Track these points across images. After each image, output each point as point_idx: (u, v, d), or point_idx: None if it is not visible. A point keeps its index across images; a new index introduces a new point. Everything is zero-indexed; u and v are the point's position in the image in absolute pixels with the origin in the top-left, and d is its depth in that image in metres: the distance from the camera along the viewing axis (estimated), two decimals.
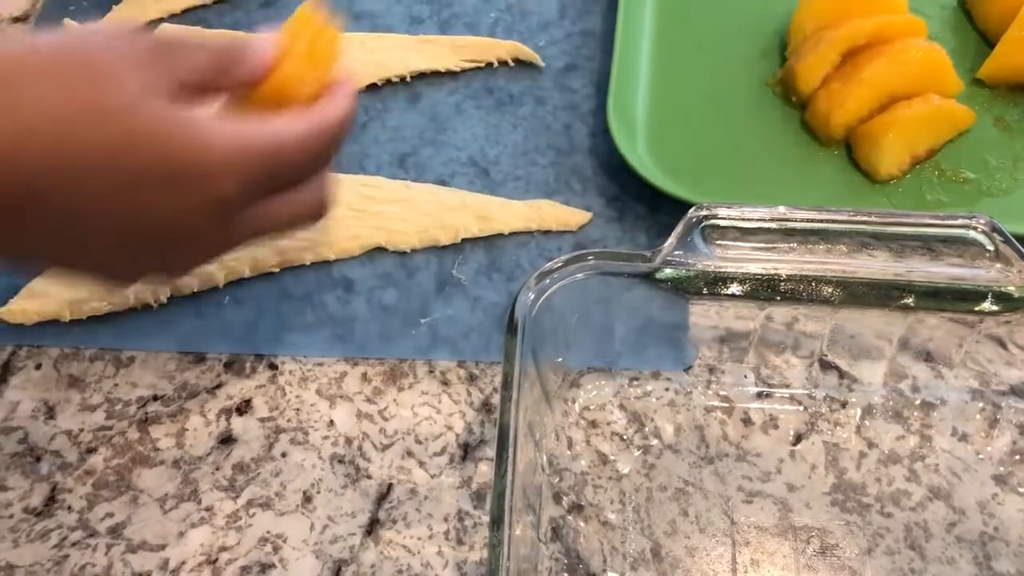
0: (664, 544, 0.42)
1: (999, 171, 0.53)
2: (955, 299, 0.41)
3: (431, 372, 0.47)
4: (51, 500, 0.43)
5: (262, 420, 0.46)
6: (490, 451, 0.44)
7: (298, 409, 0.46)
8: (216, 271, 0.49)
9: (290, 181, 0.39)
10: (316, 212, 0.41)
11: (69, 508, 0.43)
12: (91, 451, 0.45)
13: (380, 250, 0.51)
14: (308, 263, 0.50)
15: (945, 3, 0.60)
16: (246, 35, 0.41)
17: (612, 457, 0.44)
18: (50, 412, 0.46)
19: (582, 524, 0.42)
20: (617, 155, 0.51)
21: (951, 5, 0.60)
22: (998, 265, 0.41)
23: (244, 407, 0.46)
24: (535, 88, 0.58)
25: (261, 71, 0.39)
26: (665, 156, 0.53)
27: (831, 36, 0.54)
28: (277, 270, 0.50)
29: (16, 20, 0.61)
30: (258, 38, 0.40)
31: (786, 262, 0.42)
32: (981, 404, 0.46)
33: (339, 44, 0.43)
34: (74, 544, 0.42)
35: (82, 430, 0.45)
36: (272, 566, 0.42)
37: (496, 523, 0.35)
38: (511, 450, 0.37)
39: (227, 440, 0.45)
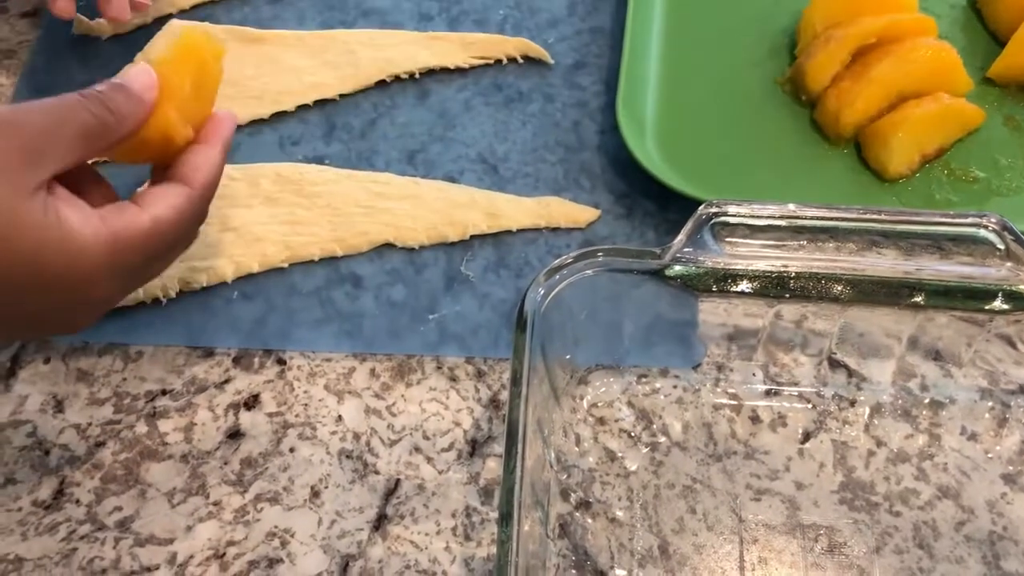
0: (672, 541, 0.42)
1: (1009, 170, 0.52)
2: (965, 298, 0.41)
3: (439, 368, 0.47)
4: (59, 493, 0.43)
5: (270, 415, 0.46)
6: (498, 447, 0.44)
7: (306, 404, 0.46)
8: (225, 266, 0.49)
9: (170, 249, 0.40)
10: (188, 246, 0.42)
11: (77, 502, 0.43)
12: (99, 445, 0.45)
13: (389, 246, 0.51)
14: (317, 259, 0.50)
15: (955, 2, 0.60)
16: (125, 69, 0.39)
17: (620, 454, 0.44)
18: (59, 406, 0.46)
19: (590, 521, 0.42)
20: (626, 152, 0.51)
21: (961, 4, 0.60)
22: (1008, 264, 0.41)
23: (252, 402, 0.46)
24: (544, 85, 0.58)
25: (138, 125, 0.38)
26: (674, 153, 0.53)
27: (841, 35, 0.54)
28: (286, 266, 0.50)
29: (25, 15, 0.62)
30: (135, 80, 0.38)
31: (795, 260, 0.42)
32: (990, 403, 0.45)
33: (222, 65, 0.42)
34: (82, 537, 0.42)
35: (90, 424, 0.45)
36: (280, 560, 0.42)
37: (505, 519, 0.35)
38: (520, 446, 0.37)
39: (235, 435, 0.45)
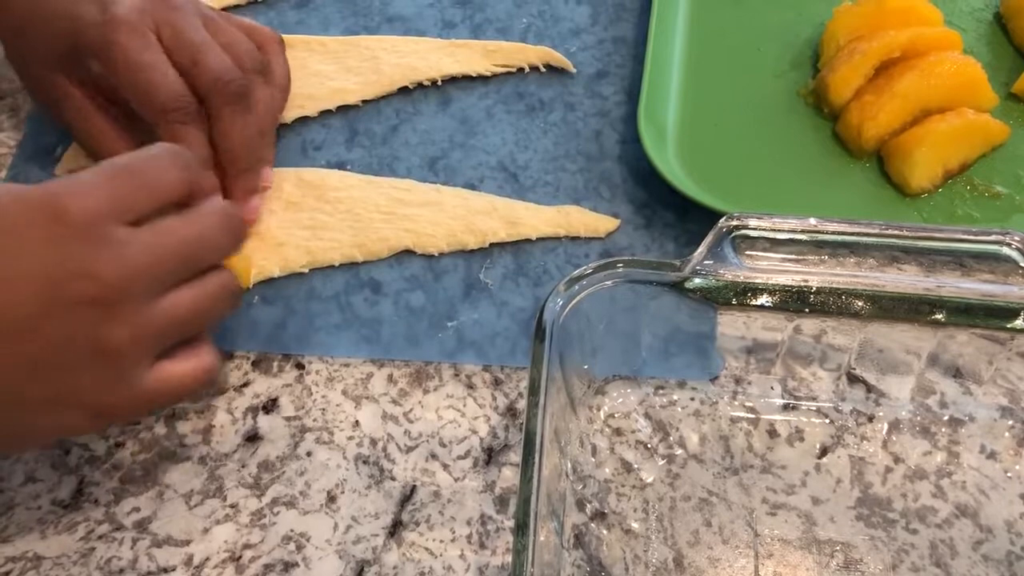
0: (687, 554, 0.42)
1: None
2: (986, 316, 0.41)
3: (456, 375, 0.47)
4: (79, 493, 0.44)
5: (288, 419, 0.46)
6: (514, 456, 0.45)
7: (324, 409, 0.46)
8: (246, 270, 0.49)
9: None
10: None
11: (96, 501, 0.44)
12: (119, 445, 0.45)
13: (408, 253, 0.51)
14: (337, 264, 0.50)
15: (981, 17, 0.60)
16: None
17: (636, 465, 0.44)
18: None
19: (605, 532, 0.42)
20: (647, 162, 0.51)
21: (987, 19, 0.60)
22: None
23: (270, 406, 0.46)
24: (566, 94, 0.58)
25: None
26: (695, 164, 0.53)
27: (865, 48, 0.54)
28: (306, 271, 0.50)
29: None
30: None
31: (816, 274, 0.42)
32: (1011, 422, 0.45)
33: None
34: (100, 537, 0.43)
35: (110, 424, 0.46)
36: (295, 565, 0.42)
37: (521, 529, 0.35)
38: (537, 456, 0.37)
39: (253, 438, 0.45)
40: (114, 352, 0.37)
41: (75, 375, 0.37)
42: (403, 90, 0.58)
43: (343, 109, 0.57)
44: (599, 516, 0.43)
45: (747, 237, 0.42)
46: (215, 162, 0.49)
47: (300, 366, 0.48)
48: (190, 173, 0.41)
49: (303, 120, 0.56)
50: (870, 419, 0.45)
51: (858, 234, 0.42)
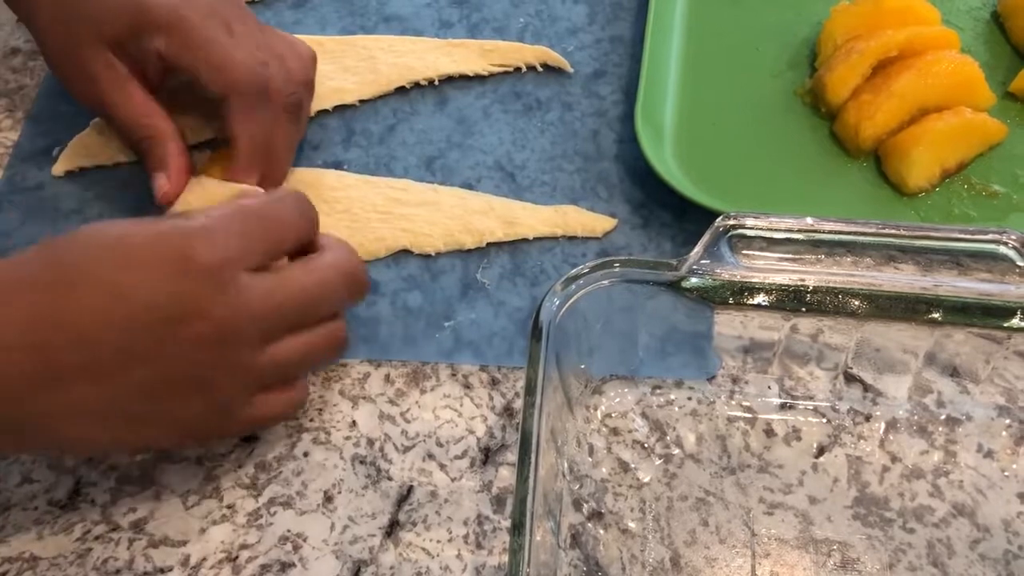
0: (683, 554, 0.42)
1: None
2: (983, 315, 0.41)
3: (453, 375, 0.47)
4: (75, 493, 0.44)
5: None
6: (511, 456, 0.45)
7: (321, 409, 0.46)
8: None
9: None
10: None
11: (93, 502, 0.44)
12: None
13: (405, 252, 0.51)
14: None
15: (978, 16, 0.60)
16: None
17: (633, 465, 0.44)
18: None
19: (602, 532, 0.42)
20: (644, 162, 0.51)
21: (984, 18, 0.60)
22: None
23: None
24: (563, 93, 0.58)
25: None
26: (692, 164, 0.53)
27: (862, 47, 0.54)
28: None
29: None
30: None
31: (812, 273, 0.42)
32: (1008, 421, 0.45)
33: None
34: (97, 538, 0.43)
35: None
36: (292, 565, 0.42)
37: (517, 528, 0.35)
38: (533, 456, 0.37)
39: (250, 438, 0.45)
40: (217, 393, 0.39)
41: (177, 405, 0.39)
42: (400, 90, 0.57)
43: (340, 109, 0.56)
44: (596, 516, 0.43)
45: (744, 236, 0.42)
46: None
47: None
48: (314, 220, 0.42)
49: None
50: (867, 418, 0.45)
51: (855, 233, 0.42)
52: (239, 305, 0.38)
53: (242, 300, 0.38)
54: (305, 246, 0.42)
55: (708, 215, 0.44)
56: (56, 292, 0.36)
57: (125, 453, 0.44)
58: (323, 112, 0.56)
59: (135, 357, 0.37)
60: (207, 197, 0.48)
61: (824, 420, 0.45)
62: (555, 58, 0.58)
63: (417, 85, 0.58)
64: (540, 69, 0.58)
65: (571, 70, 0.58)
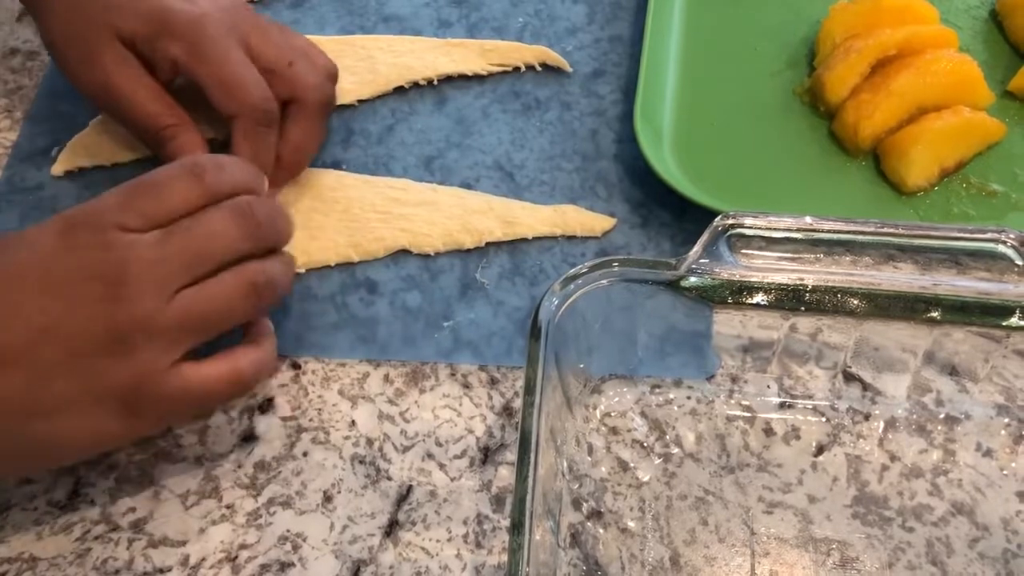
0: (683, 553, 0.42)
1: None
2: (982, 313, 0.41)
3: (453, 375, 0.47)
4: (75, 494, 0.44)
5: (284, 419, 0.46)
6: (510, 455, 0.45)
7: (320, 409, 0.46)
8: None
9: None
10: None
11: (92, 502, 0.44)
12: None
13: (404, 252, 0.51)
14: (333, 264, 0.50)
15: (977, 14, 0.60)
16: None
17: (632, 464, 0.44)
18: None
19: (601, 531, 0.42)
20: (643, 161, 0.51)
21: (983, 16, 0.60)
22: None
23: (267, 406, 0.46)
24: (562, 93, 0.58)
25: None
26: (691, 163, 0.53)
27: (860, 46, 0.54)
28: (302, 270, 0.50)
29: None
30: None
31: (811, 272, 0.42)
32: (1006, 420, 0.45)
33: None
34: (96, 538, 0.43)
35: None
36: (291, 565, 0.42)
37: (516, 528, 0.35)
38: (533, 455, 0.37)
39: (249, 438, 0.45)
40: (130, 345, 0.38)
41: (98, 371, 0.38)
42: (399, 89, 0.57)
43: (339, 109, 0.56)
44: (595, 515, 0.43)
45: (743, 236, 0.42)
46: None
47: (296, 366, 0.48)
48: (206, 183, 0.41)
49: None
50: (866, 417, 0.45)
51: (854, 232, 0.42)
52: (126, 257, 0.38)
53: (129, 253, 0.38)
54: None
55: (707, 214, 0.44)
56: None
57: (72, 459, 0.43)
58: None
59: (41, 333, 0.37)
60: None
61: (823, 419, 0.45)
62: (554, 58, 0.58)
63: (416, 85, 0.58)
64: (539, 69, 0.58)
65: (570, 70, 0.58)
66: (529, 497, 0.36)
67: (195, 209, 0.41)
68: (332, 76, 0.52)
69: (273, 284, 0.42)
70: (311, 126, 0.51)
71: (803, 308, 0.42)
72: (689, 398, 0.46)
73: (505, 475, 0.44)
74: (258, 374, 0.42)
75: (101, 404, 0.38)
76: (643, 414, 0.46)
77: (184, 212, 0.40)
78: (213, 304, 0.40)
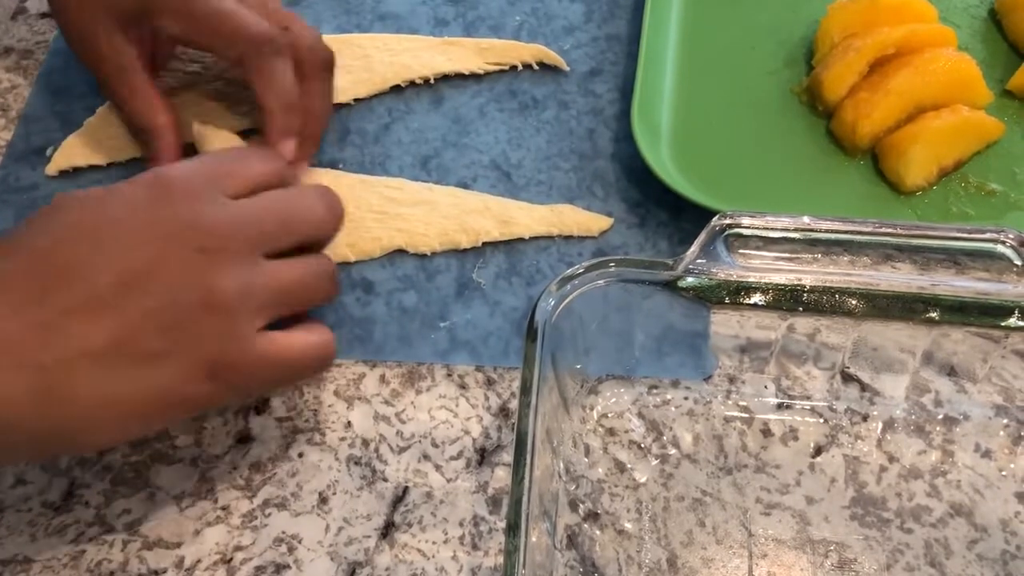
0: (680, 554, 0.41)
1: None
2: (981, 314, 0.41)
3: (449, 375, 0.47)
4: (69, 495, 0.44)
5: (280, 420, 0.46)
6: (507, 456, 0.44)
7: (316, 410, 0.46)
8: None
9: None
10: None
11: (87, 503, 0.43)
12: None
13: (400, 252, 0.51)
14: None
15: (976, 13, 0.60)
16: None
17: (629, 465, 0.44)
18: None
19: (598, 532, 0.42)
20: (640, 161, 0.51)
21: (981, 15, 0.60)
22: None
23: (262, 407, 0.46)
24: (559, 92, 0.57)
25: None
26: (689, 163, 0.53)
27: (859, 45, 0.54)
28: None
29: (44, 15, 0.62)
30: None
31: (809, 273, 0.41)
32: (1005, 420, 0.45)
33: None
34: (91, 539, 0.42)
35: None
36: (287, 567, 0.42)
37: (512, 529, 0.35)
38: (528, 456, 0.37)
39: (244, 439, 0.45)
40: (223, 301, 0.38)
41: (189, 325, 0.37)
42: (395, 88, 0.57)
43: (335, 108, 0.56)
44: (592, 516, 0.42)
45: (740, 236, 0.42)
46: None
47: None
48: (279, 166, 0.43)
49: None
50: (864, 418, 0.45)
51: (852, 232, 0.42)
52: (222, 215, 0.39)
53: (223, 211, 0.39)
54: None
55: (705, 213, 0.44)
56: (44, 249, 0.37)
57: (161, 423, 0.42)
58: None
59: (137, 280, 0.37)
60: None
61: (821, 420, 0.45)
62: (551, 56, 0.58)
63: (412, 84, 0.57)
64: (536, 67, 0.58)
65: (567, 68, 0.58)
66: (525, 499, 0.36)
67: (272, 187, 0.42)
68: (326, 46, 0.52)
69: (334, 273, 0.43)
70: (319, 86, 0.50)
71: (801, 308, 0.41)
72: (687, 399, 0.46)
73: (502, 476, 0.44)
74: (335, 353, 0.43)
75: (185, 363, 0.37)
76: (640, 415, 0.45)
77: (265, 187, 0.42)
78: (303, 277, 0.41)
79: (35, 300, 0.36)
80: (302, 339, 0.40)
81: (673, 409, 0.46)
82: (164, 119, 0.49)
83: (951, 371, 0.46)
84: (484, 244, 0.51)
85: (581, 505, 0.43)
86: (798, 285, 0.41)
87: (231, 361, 0.38)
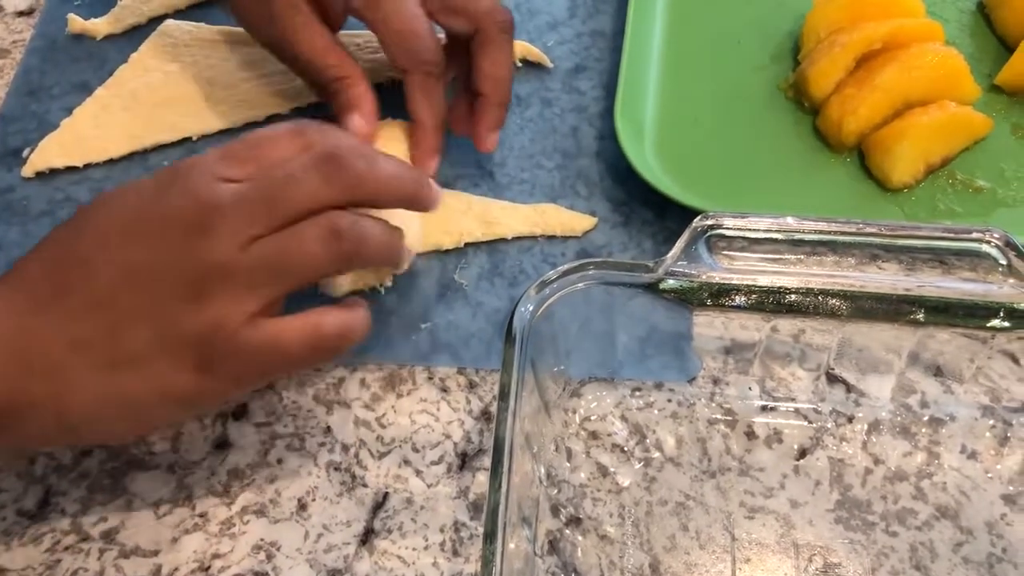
0: (663, 560, 0.41)
1: (1015, 180, 0.51)
2: (967, 315, 0.41)
3: (430, 379, 0.46)
4: (45, 503, 0.43)
5: (258, 425, 0.45)
6: (488, 461, 0.43)
7: (295, 415, 0.45)
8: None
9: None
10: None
11: (63, 511, 0.43)
12: (85, 454, 0.44)
13: None
14: None
15: (963, 7, 0.59)
16: None
17: (612, 469, 0.43)
18: None
19: (580, 538, 0.42)
20: (624, 160, 0.50)
21: (969, 9, 0.59)
22: (1011, 280, 0.40)
23: (240, 412, 0.45)
24: (543, 89, 0.57)
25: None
26: (673, 161, 0.52)
27: (845, 40, 0.53)
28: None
29: (20, 14, 0.61)
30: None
31: (793, 274, 0.41)
32: (991, 421, 0.45)
33: None
34: (67, 548, 0.42)
35: None
36: (265, 574, 0.41)
37: (489, 537, 0.35)
38: (506, 463, 0.36)
39: (223, 445, 0.45)
40: (201, 281, 0.37)
41: (170, 311, 0.37)
42: (378, 87, 0.56)
43: (316, 106, 0.55)
44: (574, 522, 0.42)
45: (723, 236, 0.41)
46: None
47: None
48: (306, 141, 0.40)
49: (275, 118, 0.55)
50: (850, 420, 0.45)
51: (836, 233, 0.41)
52: (210, 203, 0.37)
53: (213, 199, 0.37)
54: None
55: (690, 213, 0.43)
56: (63, 249, 0.38)
57: (151, 423, 0.41)
58: (298, 109, 0.55)
59: (127, 278, 0.37)
60: (396, 139, 0.49)
61: (806, 422, 0.45)
62: (535, 53, 0.57)
63: (394, 81, 0.56)
64: (519, 64, 0.58)
65: (551, 65, 0.58)
66: (502, 507, 0.35)
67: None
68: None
69: (362, 237, 0.40)
70: (501, 54, 0.49)
71: (784, 310, 0.41)
72: (670, 401, 0.45)
73: (483, 481, 0.43)
74: (342, 338, 0.39)
75: (175, 353, 0.37)
76: (623, 418, 0.45)
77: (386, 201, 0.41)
78: (289, 249, 0.38)
79: (47, 300, 0.37)
80: (290, 326, 0.38)
81: (656, 412, 0.45)
82: (354, 66, 0.49)
83: (937, 371, 0.46)
84: (466, 244, 0.50)
85: (563, 510, 0.42)
86: (781, 287, 0.41)
87: (218, 353, 0.37)
